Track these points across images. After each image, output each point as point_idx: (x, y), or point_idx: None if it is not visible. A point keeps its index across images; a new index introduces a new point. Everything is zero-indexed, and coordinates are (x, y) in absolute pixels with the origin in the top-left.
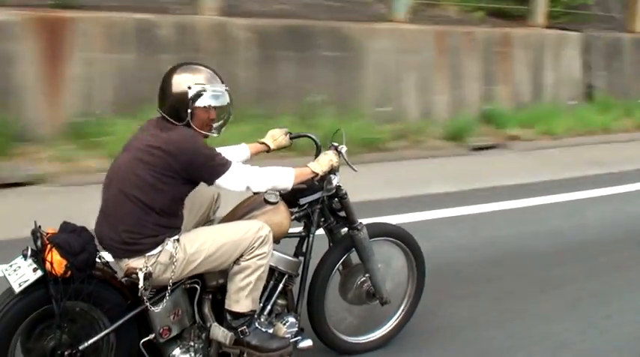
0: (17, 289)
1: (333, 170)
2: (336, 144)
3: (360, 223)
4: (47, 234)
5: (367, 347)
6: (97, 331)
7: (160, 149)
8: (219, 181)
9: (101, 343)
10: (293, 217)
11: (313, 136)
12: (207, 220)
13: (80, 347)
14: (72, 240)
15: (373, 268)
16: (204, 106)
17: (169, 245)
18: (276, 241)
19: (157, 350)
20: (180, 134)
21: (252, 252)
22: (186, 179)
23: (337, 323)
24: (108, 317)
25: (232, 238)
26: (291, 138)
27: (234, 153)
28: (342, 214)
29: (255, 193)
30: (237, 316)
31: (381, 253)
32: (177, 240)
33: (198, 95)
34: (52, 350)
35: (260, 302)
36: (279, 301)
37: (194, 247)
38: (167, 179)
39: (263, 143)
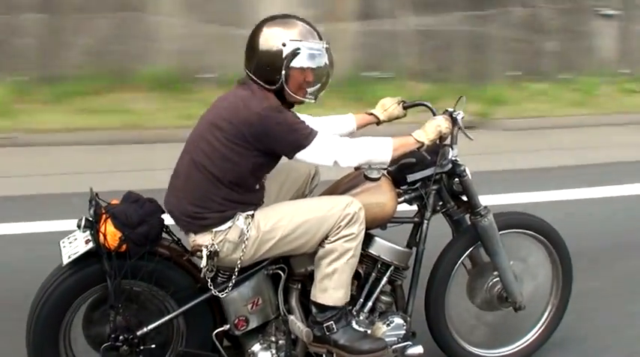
0: (65, 261)
1: (445, 140)
2: (450, 109)
3: (485, 207)
4: (108, 204)
5: None
6: (162, 316)
7: (234, 115)
8: (300, 155)
9: (169, 330)
10: (402, 198)
11: (429, 105)
12: None
13: (138, 333)
14: (130, 210)
15: (503, 264)
16: (301, 67)
17: (240, 220)
18: (382, 226)
19: (238, 342)
20: (258, 98)
21: (338, 232)
22: (262, 151)
23: (462, 330)
24: (175, 301)
25: (315, 214)
26: (404, 107)
27: (338, 124)
28: (465, 197)
29: (355, 169)
30: (323, 308)
31: (517, 249)
32: (252, 215)
33: (295, 54)
34: (108, 334)
35: (361, 297)
36: (384, 298)
37: (269, 224)
38: (239, 149)
39: (372, 114)
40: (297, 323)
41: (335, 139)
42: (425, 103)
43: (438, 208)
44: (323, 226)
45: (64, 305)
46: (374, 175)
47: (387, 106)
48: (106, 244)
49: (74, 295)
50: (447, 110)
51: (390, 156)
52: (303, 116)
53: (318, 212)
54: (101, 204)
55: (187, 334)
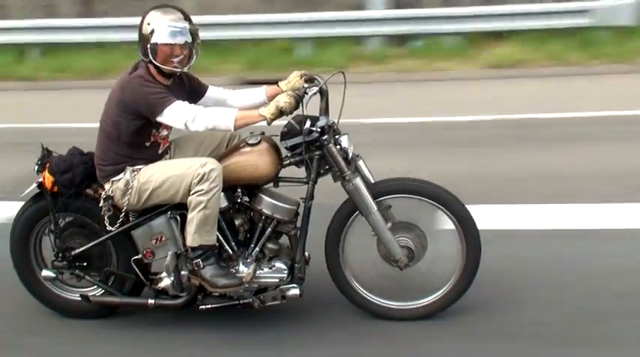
0: (21, 196)
1: (286, 113)
2: (306, 85)
3: (353, 173)
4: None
5: (390, 314)
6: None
7: (118, 84)
8: (159, 118)
9: (101, 254)
10: (287, 161)
11: (318, 79)
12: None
13: (72, 253)
14: (61, 161)
15: (376, 225)
16: (163, 43)
17: (127, 173)
18: (274, 183)
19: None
20: (129, 72)
21: (194, 188)
22: (134, 114)
23: (360, 278)
24: (106, 232)
25: (176, 172)
26: (305, 80)
27: (249, 96)
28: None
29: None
30: (192, 248)
31: (414, 212)
32: (139, 170)
33: (155, 31)
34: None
35: (252, 243)
36: (270, 246)
37: (145, 177)
38: (120, 112)
39: (278, 86)
40: (169, 257)
41: (188, 107)
42: (317, 77)
43: (323, 171)
44: (183, 182)
45: (28, 227)
46: (252, 140)
47: (292, 79)
48: (45, 185)
49: (34, 220)
50: (303, 86)
51: (233, 124)
52: (217, 89)
53: (179, 170)
54: (48, 154)
55: (117, 259)
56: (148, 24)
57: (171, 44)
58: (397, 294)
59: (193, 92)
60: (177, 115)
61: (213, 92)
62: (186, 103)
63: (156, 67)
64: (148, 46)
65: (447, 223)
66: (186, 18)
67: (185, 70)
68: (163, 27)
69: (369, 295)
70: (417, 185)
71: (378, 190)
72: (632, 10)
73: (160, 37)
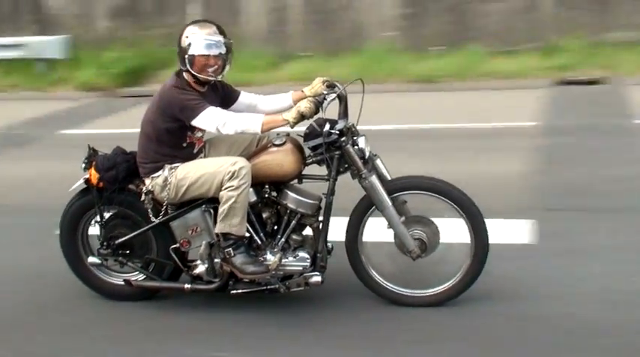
0: (69, 190)
1: (307, 117)
2: (326, 92)
3: (368, 172)
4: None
5: (404, 301)
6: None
7: (158, 92)
8: (193, 122)
9: (143, 243)
10: (310, 160)
11: (338, 85)
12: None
13: (116, 241)
14: (105, 160)
15: (391, 218)
16: (199, 54)
17: (166, 170)
18: (298, 180)
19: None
20: (169, 81)
21: (224, 184)
22: (170, 117)
23: (377, 267)
24: (147, 224)
25: (209, 170)
26: (327, 86)
27: (277, 100)
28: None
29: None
30: (223, 238)
31: (426, 208)
32: (176, 167)
33: (192, 44)
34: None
35: (279, 234)
36: (294, 237)
37: (182, 174)
38: (158, 116)
39: (303, 92)
40: (203, 247)
41: (220, 112)
42: (336, 83)
43: (342, 169)
44: (215, 179)
45: (76, 219)
46: (277, 141)
47: (315, 84)
48: (91, 181)
49: (82, 212)
50: (323, 92)
51: (260, 128)
52: (248, 95)
53: (212, 168)
54: (94, 153)
55: (157, 247)
56: (187, 37)
57: (206, 55)
58: (410, 282)
59: (226, 98)
60: (209, 119)
61: (245, 98)
62: (218, 108)
63: (193, 75)
64: (186, 57)
65: (457, 218)
66: (221, 32)
67: (219, 78)
68: (200, 40)
69: (385, 282)
70: (429, 183)
71: (393, 186)
72: (60, 45)
73: (197, 49)
